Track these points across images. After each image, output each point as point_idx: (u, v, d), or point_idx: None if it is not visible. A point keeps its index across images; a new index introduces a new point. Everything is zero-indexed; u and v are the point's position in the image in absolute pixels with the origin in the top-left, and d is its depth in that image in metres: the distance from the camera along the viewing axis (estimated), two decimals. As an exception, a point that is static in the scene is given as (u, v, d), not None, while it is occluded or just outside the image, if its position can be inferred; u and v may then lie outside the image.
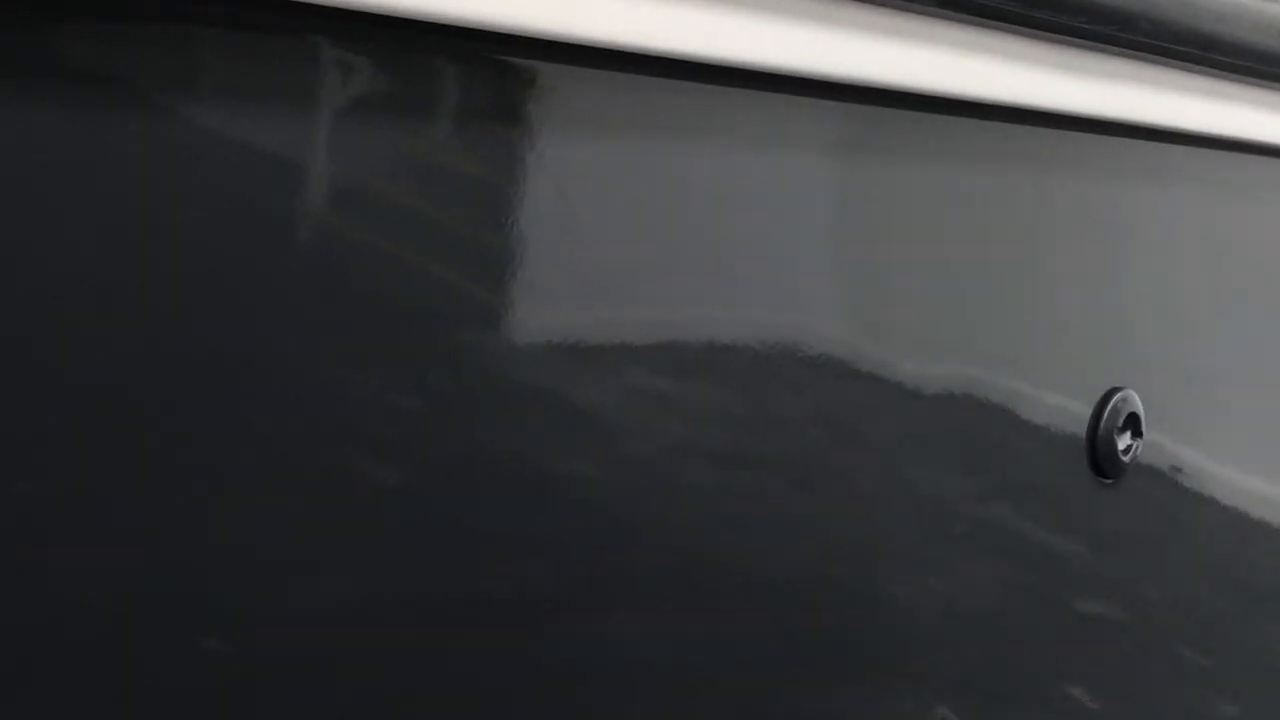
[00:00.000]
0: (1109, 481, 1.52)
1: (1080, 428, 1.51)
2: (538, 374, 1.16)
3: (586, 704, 1.21)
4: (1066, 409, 1.51)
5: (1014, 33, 1.35)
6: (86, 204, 0.93)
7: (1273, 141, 1.64)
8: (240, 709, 1.02)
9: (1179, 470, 1.60)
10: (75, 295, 0.93)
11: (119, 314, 0.95)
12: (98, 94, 0.93)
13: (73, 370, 0.94)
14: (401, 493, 1.08)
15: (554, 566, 1.18)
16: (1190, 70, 1.51)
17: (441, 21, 1.02)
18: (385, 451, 1.07)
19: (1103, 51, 1.43)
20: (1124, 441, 1.53)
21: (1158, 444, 1.56)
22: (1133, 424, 1.53)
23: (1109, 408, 1.51)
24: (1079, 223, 1.51)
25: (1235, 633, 1.66)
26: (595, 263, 1.17)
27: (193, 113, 0.97)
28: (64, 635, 0.94)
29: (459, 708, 1.13)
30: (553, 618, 1.18)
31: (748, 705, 1.33)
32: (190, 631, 0.99)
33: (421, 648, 1.10)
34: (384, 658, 1.08)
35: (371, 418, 1.06)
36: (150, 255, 0.96)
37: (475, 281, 1.12)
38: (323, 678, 1.06)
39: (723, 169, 1.24)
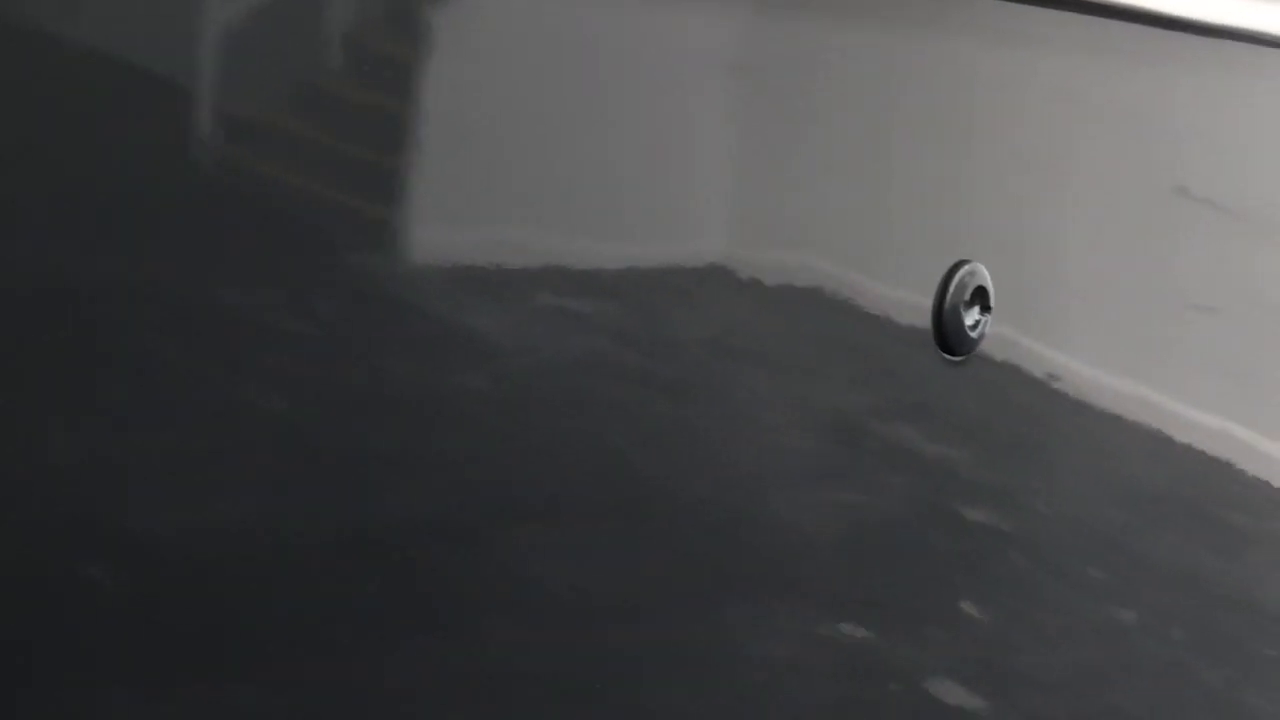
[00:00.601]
0: (958, 359, 1.46)
1: (926, 303, 1.45)
2: (434, 294, 1.14)
3: (484, 626, 1.19)
4: (912, 285, 1.44)
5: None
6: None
7: (1128, 3, 1.57)
8: (121, 636, 1.00)
9: (1031, 347, 1.54)
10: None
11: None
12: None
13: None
14: (294, 416, 1.07)
15: (449, 489, 1.16)
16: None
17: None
18: (278, 375, 1.06)
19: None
20: (971, 316, 1.46)
21: (1008, 319, 1.50)
22: (980, 298, 1.47)
23: (955, 281, 1.45)
24: (925, 87, 1.44)
25: (1096, 518, 1.61)
26: (490, 181, 1.15)
27: (73, 37, 0.94)
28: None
29: (353, 634, 1.12)
30: (447, 540, 1.17)
31: (646, 625, 1.31)
32: (71, 558, 0.97)
33: (313, 575, 1.09)
34: (275, 584, 1.07)
35: (272, 341, 1.05)
36: (26, 178, 0.93)
37: (369, 202, 1.10)
38: (208, 604, 1.04)
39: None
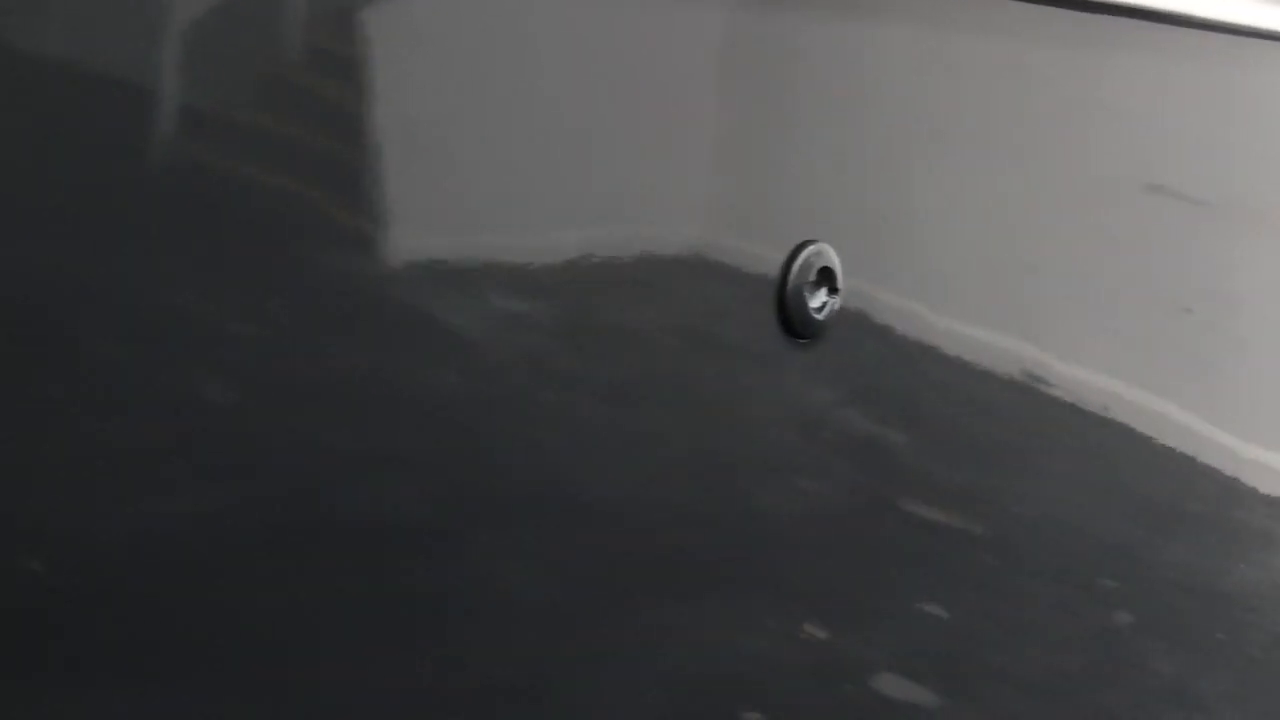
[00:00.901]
0: (803, 341, 1.43)
1: (769, 285, 1.42)
2: (393, 295, 1.14)
3: (442, 626, 1.20)
4: (754, 266, 1.42)
5: None
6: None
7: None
8: (65, 633, 1.00)
9: (885, 326, 1.50)
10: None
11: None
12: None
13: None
14: (252, 413, 1.08)
15: (405, 489, 1.17)
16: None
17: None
18: (236, 372, 1.07)
19: None
20: (818, 298, 1.43)
21: (859, 299, 1.46)
22: (826, 279, 1.44)
23: (798, 262, 1.42)
24: (760, 64, 1.41)
25: (947, 504, 1.57)
26: (446, 183, 1.17)
27: (35, 37, 0.96)
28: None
29: (307, 632, 1.12)
30: (405, 540, 1.17)
31: (618, 624, 1.31)
32: (11, 553, 0.98)
33: (270, 572, 1.10)
34: (230, 582, 1.08)
35: (225, 339, 1.05)
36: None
37: (327, 203, 1.11)
38: (166, 602, 1.05)
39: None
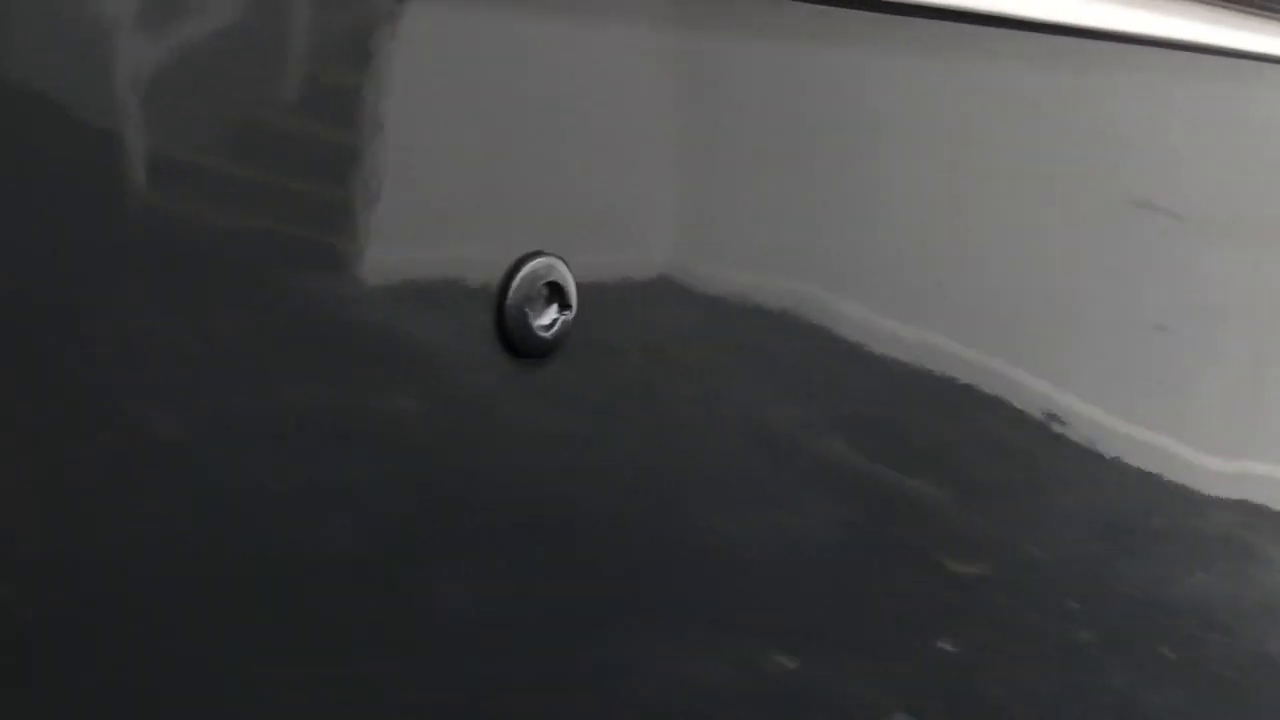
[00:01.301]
0: (530, 361, 1.32)
1: (490, 301, 1.32)
2: (357, 315, 1.16)
3: (398, 660, 1.19)
4: (474, 282, 1.31)
5: None
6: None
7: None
8: (31, 660, 1.01)
9: (632, 344, 1.38)
10: None
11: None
12: None
13: None
14: (209, 441, 1.07)
15: (360, 518, 1.17)
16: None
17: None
18: (188, 398, 1.06)
19: None
20: (546, 315, 1.32)
21: (598, 315, 1.35)
22: (557, 295, 1.33)
23: (520, 277, 1.31)
24: (485, 58, 1.30)
25: (709, 534, 1.45)
26: (419, 201, 1.17)
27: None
28: None
29: (258, 663, 1.12)
30: (363, 567, 1.17)
31: (574, 658, 1.30)
32: None
33: (223, 602, 1.09)
34: (181, 611, 1.07)
35: (179, 361, 1.05)
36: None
37: (299, 223, 1.12)
38: (121, 632, 1.04)
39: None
